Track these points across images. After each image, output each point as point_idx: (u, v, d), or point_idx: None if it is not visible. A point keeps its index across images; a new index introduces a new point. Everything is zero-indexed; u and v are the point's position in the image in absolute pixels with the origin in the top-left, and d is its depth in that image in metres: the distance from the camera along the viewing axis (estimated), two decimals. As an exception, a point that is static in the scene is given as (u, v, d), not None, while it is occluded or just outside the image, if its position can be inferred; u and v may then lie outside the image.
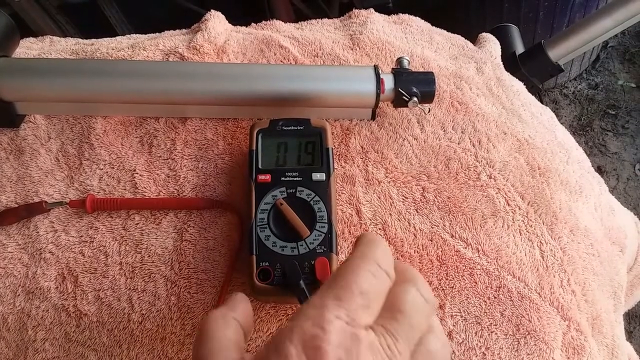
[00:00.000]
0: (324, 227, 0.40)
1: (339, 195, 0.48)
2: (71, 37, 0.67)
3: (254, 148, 0.44)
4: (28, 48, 0.62)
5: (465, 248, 0.47)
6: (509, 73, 0.66)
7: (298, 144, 0.45)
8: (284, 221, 0.40)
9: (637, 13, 0.81)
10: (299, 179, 0.42)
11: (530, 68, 0.88)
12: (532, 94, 0.65)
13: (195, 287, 0.44)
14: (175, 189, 0.49)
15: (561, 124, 0.63)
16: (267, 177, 0.42)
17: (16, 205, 0.48)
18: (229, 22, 0.66)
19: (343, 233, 0.47)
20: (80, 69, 0.51)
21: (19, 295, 0.44)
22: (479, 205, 0.49)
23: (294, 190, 0.42)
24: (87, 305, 0.43)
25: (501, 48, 0.72)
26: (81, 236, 0.46)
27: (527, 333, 0.43)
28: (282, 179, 0.42)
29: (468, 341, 0.42)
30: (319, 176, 0.42)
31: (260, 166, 0.43)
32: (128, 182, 0.49)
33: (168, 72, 0.51)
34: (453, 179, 0.51)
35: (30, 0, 1.15)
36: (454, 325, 0.43)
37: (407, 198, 0.49)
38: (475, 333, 0.43)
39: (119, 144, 0.52)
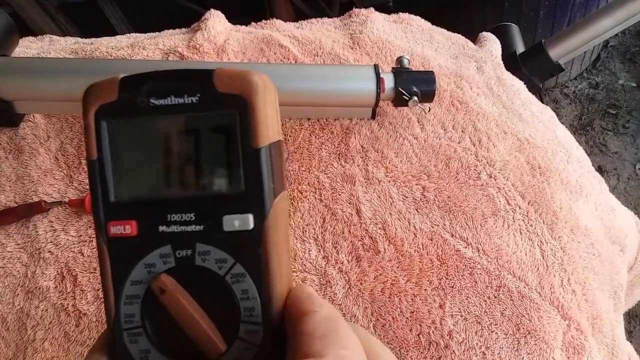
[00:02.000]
0: (257, 331, 0.20)
1: (339, 195, 0.48)
2: (71, 36, 0.67)
3: (95, 156, 0.21)
4: (27, 47, 0.62)
5: (466, 247, 0.46)
6: (509, 72, 0.66)
7: (192, 139, 0.21)
8: (174, 323, 0.20)
9: (637, 12, 0.81)
10: (199, 227, 0.20)
11: (531, 67, 0.88)
12: (533, 94, 0.65)
13: (194, 286, 0.44)
14: (175, 189, 0.49)
15: (562, 123, 0.63)
16: (129, 227, 0.20)
17: (15, 205, 0.48)
18: (229, 21, 0.66)
19: (343, 233, 0.47)
20: (79, 68, 0.51)
21: (18, 294, 0.44)
22: (479, 204, 0.49)
23: (189, 253, 0.20)
24: (86, 304, 0.43)
25: (502, 47, 0.72)
26: (80, 235, 0.46)
27: (527, 332, 0.43)
28: (160, 228, 0.20)
29: (468, 340, 0.42)
30: (239, 221, 0.20)
31: (112, 198, 0.21)
32: (127, 181, 0.49)
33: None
34: (453, 178, 0.51)
35: (30, 0, 1.15)
36: (454, 325, 0.43)
37: (407, 197, 0.49)
38: (476, 332, 0.43)
39: (119, 143, 0.51)
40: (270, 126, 0.20)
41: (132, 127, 0.21)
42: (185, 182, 0.21)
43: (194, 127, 0.21)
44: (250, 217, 0.20)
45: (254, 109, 0.20)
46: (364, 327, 0.43)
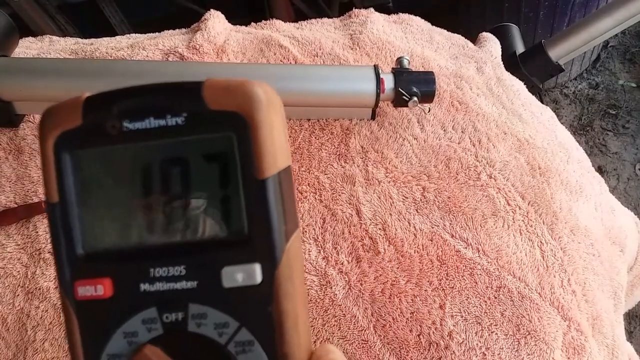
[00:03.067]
0: None
1: (339, 196, 0.48)
2: (71, 36, 0.67)
3: (56, 198, 0.17)
4: (27, 47, 0.62)
5: (466, 248, 0.46)
6: (509, 73, 0.66)
7: (178, 171, 0.17)
8: None
9: (637, 13, 0.81)
10: (191, 283, 0.16)
11: (531, 68, 0.88)
12: (533, 94, 0.65)
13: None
14: (175, 189, 0.49)
15: (561, 123, 0.63)
16: (101, 287, 0.16)
17: (15, 206, 0.48)
18: (229, 21, 0.66)
19: (343, 233, 0.47)
20: (79, 68, 0.51)
21: (18, 295, 0.44)
22: (479, 205, 0.49)
23: (179, 316, 0.16)
24: (86, 305, 0.43)
25: (501, 48, 0.72)
26: (80, 236, 0.46)
27: (527, 333, 0.43)
28: (142, 286, 0.16)
29: (468, 341, 0.42)
30: (242, 274, 0.16)
31: (80, 250, 0.17)
32: (127, 182, 0.49)
33: (167, 72, 0.51)
34: (453, 179, 0.51)
35: (29, 0, 1.15)
36: (454, 326, 0.43)
37: (407, 198, 0.49)
38: (476, 333, 0.43)
39: (119, 143, 0.51)
40: (278, 150, 0.16)
41: (102, 159, 0.17)
42: (171, 226, 0.16)
43: (180, 156, 0.16)
44: (257, 267, 0.16)
45: (256, 130, 0.15)
46: (364, 327, 0.43)
